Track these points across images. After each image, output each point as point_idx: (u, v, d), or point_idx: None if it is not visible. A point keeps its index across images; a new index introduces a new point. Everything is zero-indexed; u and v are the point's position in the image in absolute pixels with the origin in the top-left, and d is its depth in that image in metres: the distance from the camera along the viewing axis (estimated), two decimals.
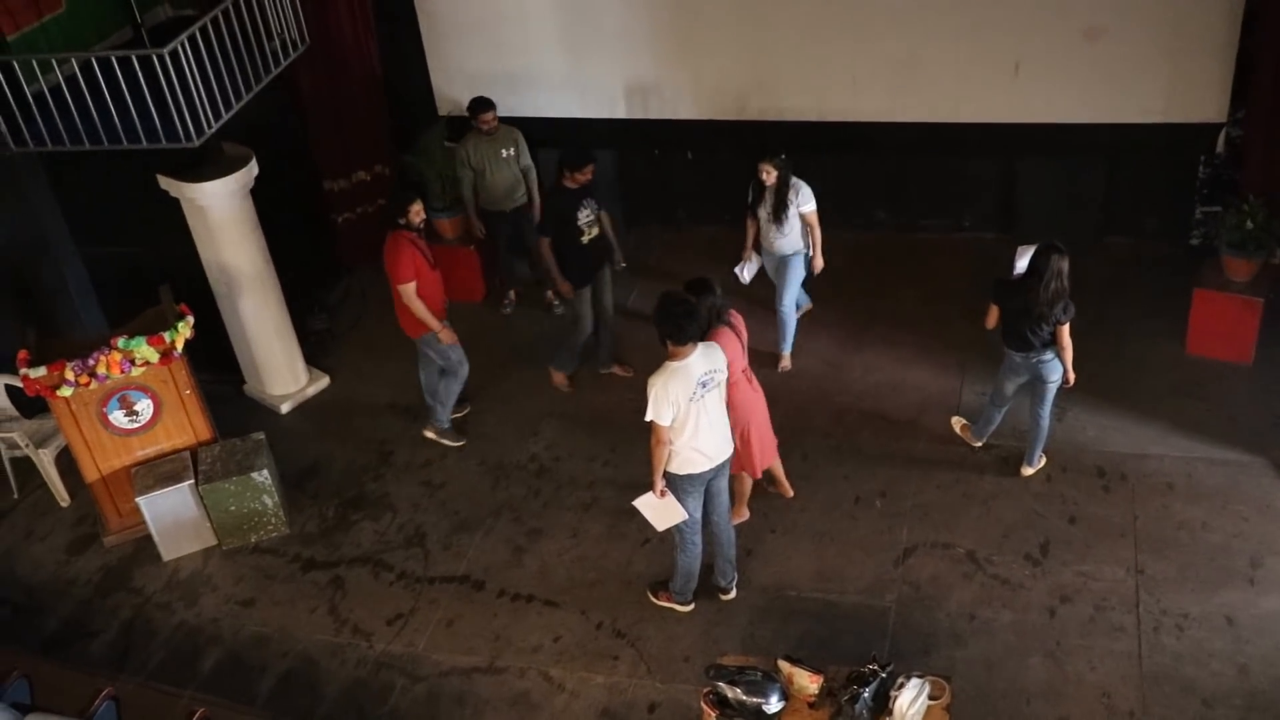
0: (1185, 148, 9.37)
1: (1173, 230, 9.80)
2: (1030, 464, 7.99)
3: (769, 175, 8.51)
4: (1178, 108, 9.12)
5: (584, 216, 8.64)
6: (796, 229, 8.66)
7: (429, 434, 8.95)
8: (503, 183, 9.65)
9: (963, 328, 9.15)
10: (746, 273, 9.09)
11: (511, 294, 10.33)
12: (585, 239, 8.70)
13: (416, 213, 8.12)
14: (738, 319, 7.16)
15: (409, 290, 8.11)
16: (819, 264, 8.88)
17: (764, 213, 8.66)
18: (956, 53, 9.31)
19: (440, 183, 10.05)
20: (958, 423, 8.42)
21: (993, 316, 7.56)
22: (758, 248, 8.97)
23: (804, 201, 8.60)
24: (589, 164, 8.56)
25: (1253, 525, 7.44)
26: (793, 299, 9.03)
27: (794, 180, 8.57)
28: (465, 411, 9.16)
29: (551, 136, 10.51)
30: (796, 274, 8.87)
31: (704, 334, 6.70)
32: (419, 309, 8.17)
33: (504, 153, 9.57)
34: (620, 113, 10.28)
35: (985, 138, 9.70)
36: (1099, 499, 7.77)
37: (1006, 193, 10.30)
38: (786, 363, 9.18)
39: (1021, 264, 7.41)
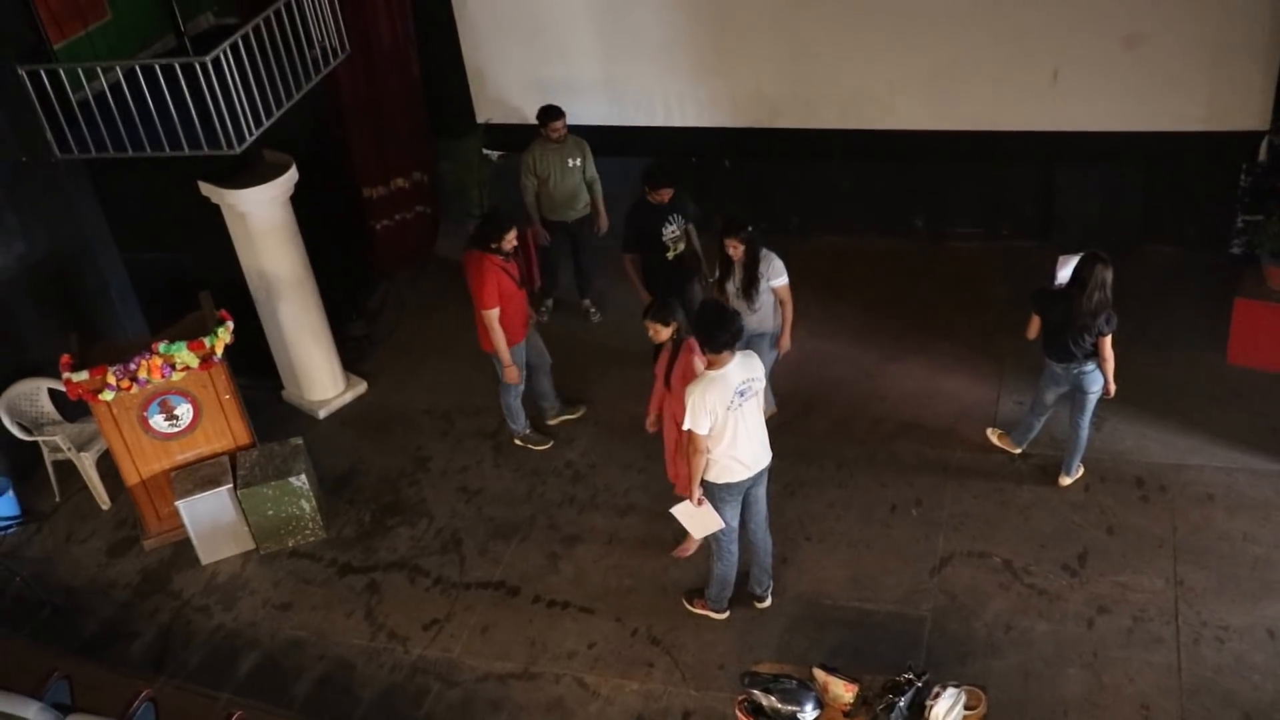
0: (1227, 155, 9.29)
1: (1214, 239, 9.71)
2: (1068, 473, 7.94)
3: (735, 250, 7.86)
4: (1218, 115, 9.05)
5: (668, 232, 8.56)
6: (769, 305, 8.03)
7: (516, 442, 8.99)
8: (566, 192, 9.59)
9: (1000, 336, 9.11)
10: None
11: (549, 302, 10.30)
12: (670, 254, 8.63)
13: (509, 241, 8.10)
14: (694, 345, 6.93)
15: (492, 316, 8.15)
16: (785, 344, 8.23)
17: (732, 288, 7.98)
18: (994, 60, 9.28)
19: (477, 189, 10.11)
20: (994, 434, 8.37)
21: (1034, 327, 7.52)
22: None
23: (775, 275, 7.94)
24: (663, 187, 8.45)
25: None
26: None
27: (764, 252, 7.92)
28: (579, 414, 9.17)
29: (591, 143, 10.56)
30: (765, 358, 7.71)
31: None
32: (498, 338, 8.23)
33: (570, 162, 9.52)
34: (658, 120, 10.31)
35: (1024, 145, 9.66)
36: (1138, 509, 7.70)
37: (1045, 201, 10.24)
38: None
39: (1063, 274, 7.36)
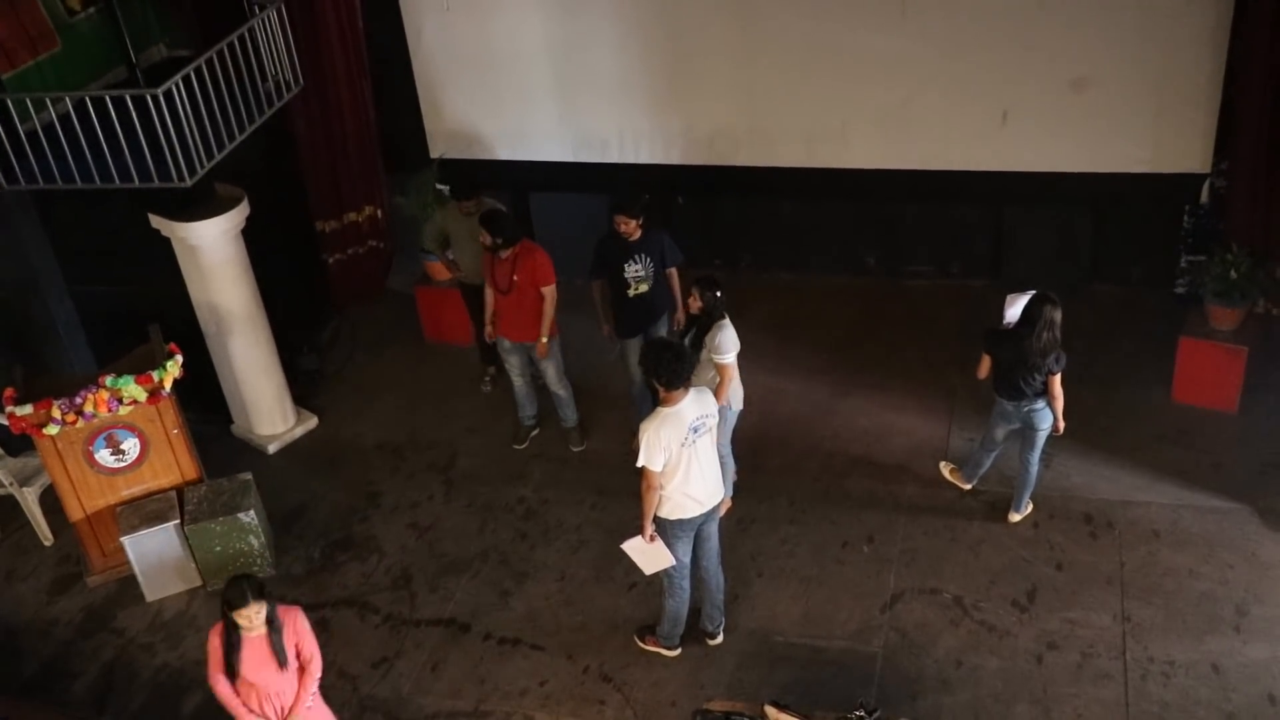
0: (1170, 197, 9.46)
1: (1159, 279, 9.87)
2: (1018, 510, 8.00)
3: (693, 303, 7.62)
4: (1163, 158, 9.22)
5: (631, 270, 8.36)
6: (707, 376, 7.51)
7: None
8: (476, 256, 9.11)
9: (951, 373, 9.19)
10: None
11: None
12: (631, 292, 8.44)
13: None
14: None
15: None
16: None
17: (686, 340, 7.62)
18: (945, 102, 9.41)
19: (431, 224, 10.08)
20: (946, 467, 8.44)
21: (984, 366, 7.60)
22: None
23: (721, 349, 7.45)
24: (625, 216, 8.21)
25: (1238, 573, 7.45)
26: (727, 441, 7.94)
27: (722, 321, 7.50)
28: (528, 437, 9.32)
29: (544, 180, 10.60)
30: (724, 424, 7.64)
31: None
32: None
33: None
34: (613, 157, 10.34)
35: (974, 185, 9.78)
36: (1086, 545, 7.78)
37: (995, 240, 10.37)
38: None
39: (1011, 313, 7.44)
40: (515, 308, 8.54)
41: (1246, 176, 8.66)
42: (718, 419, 6.72)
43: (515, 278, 8.39)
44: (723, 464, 7.09)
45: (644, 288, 8.47)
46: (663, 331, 8.79)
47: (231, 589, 5.90)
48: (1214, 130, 8.97)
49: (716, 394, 7.31)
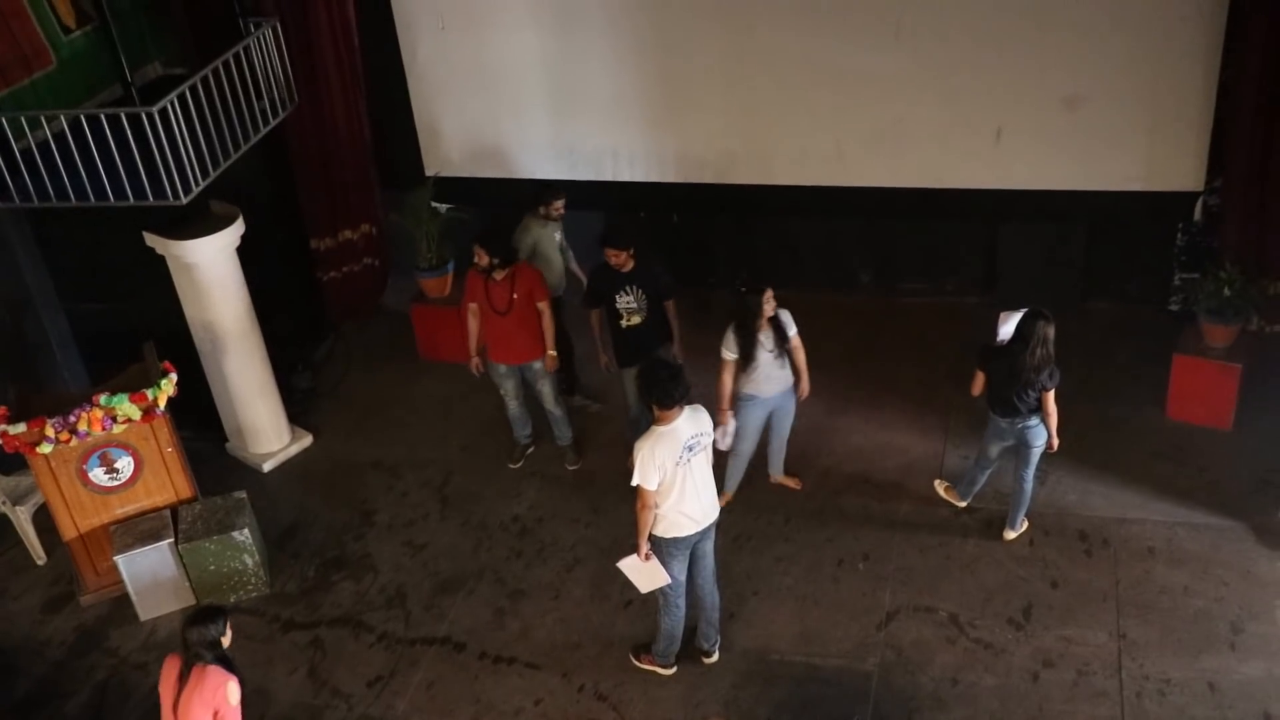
0: (1164, 215, 9.49)
1: (1153, 296, 9.90)
2: (1013, 528, 8.00)
3: (770, 305, 7.71)
4: (1156, 176, 9.25)
5: (623, 301, 8.26)
6: (780, 374, 7.95)
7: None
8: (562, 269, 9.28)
9: (946, 390, 9.21)
10: (728, 437, 8.04)
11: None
12: (624, 323, 8.34)
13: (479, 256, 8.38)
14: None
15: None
16: (805, 389, 8.13)
17: (766, 347, 7.78)
18: (939, 120, 9.43)
19: (426, 242, 10.10)
20: (940, 485, 8.44)
21: (979, 383, 7.60)
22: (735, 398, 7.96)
23: (724, 343, 7.77)
24: (615, 248, 8.15)
25: (1233, 590, 7.45)
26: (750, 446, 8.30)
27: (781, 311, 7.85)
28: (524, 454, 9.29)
29: (539, 198, 10.59)
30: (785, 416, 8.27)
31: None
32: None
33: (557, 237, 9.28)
34: (607, 175, 10.36)
35: (968, 203, 9.81)
36: (1081, 563, 7.78)
37: (989, 258, 10.40)
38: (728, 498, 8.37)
39: (1005, 330, 7.46)
40: (516, 328, 8.48)
41: (1239, 194, 8.70)
42: (713, 437, 6.72)
43: (515, 296, 8.36)
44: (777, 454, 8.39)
45: (637, 319, 8.33)
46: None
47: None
48: (1207, 148, 9.00)
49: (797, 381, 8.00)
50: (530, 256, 8.99)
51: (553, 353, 8.60)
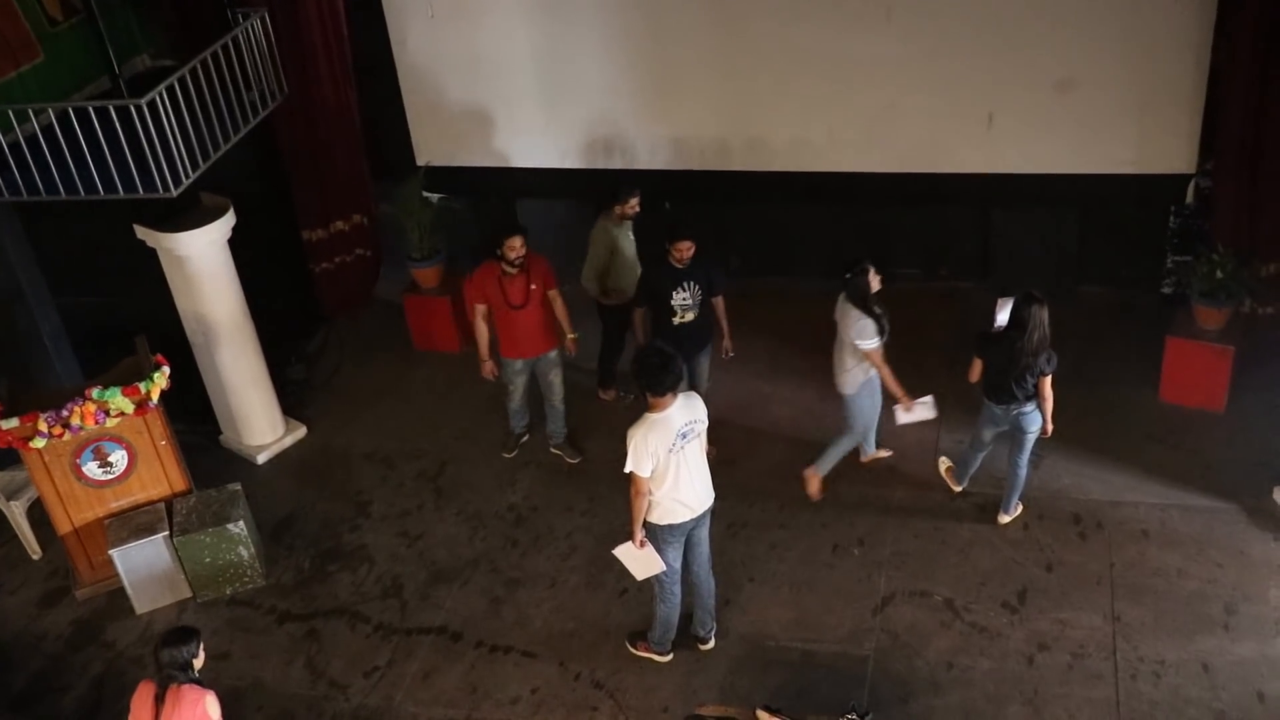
0: (1156, 198, 9.49)
1: (1146, 279, 9.90)
2: (1007, 511, 8.02)
3: (876, 278, 7.78)
4: (1148, 159, 9.25)
5: (679, 298, 8.11)
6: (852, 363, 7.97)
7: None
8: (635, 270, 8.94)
9: (941, 375, 9.19)
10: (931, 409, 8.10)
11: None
12: (676, 320, 8.18)
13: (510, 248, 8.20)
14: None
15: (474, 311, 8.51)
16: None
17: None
18: (931, 104, 9.42)
19: (418, 232, 10.08)
20: (943, 464, 8.45)
21: (976, 370, 7.60)
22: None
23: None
24: (679, 239, 7.97)
25: (1227, 572, 7.47)
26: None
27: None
28: (575, 459, 9.11)
29: (531, 187, 10.58)
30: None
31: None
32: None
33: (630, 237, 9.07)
34: (599, 163, 10.34)
35: (960, 188, 9.80)
36: (1075, 546, 7.79)
37: (982, 242, 10.40)
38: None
39: (1002, 316, 7.44)
40: (533, 320, 8.42)
41: (1231, 177, 8.69)
42: (706, 424, 6.72)
43: (532, 287, 8.29)
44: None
45: (690, 315, 8.21)
46: (706, 361, 8.60)
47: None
48: (1199, 131, 9.01)
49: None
50: (608, 260, 8.82)
51: (573, 335, 8.54)
